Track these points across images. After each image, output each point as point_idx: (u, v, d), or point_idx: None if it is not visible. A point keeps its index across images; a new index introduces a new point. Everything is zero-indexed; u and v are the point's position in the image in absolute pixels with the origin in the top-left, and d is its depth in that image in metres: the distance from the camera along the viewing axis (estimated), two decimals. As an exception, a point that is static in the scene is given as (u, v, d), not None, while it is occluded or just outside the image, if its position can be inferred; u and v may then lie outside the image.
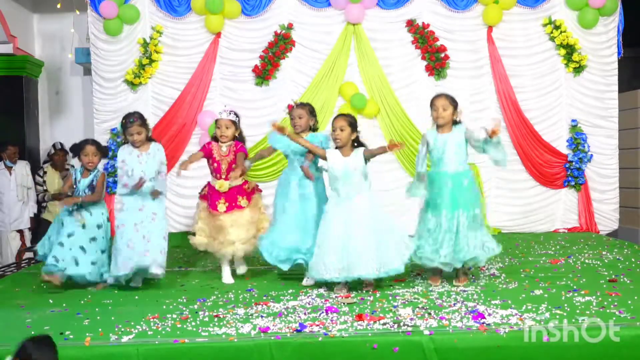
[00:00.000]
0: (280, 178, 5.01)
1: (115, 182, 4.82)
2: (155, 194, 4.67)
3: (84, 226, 4.65)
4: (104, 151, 4.91)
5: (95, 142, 4.88)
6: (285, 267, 4.70)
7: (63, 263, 4.56)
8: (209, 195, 4.81)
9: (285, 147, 4.80)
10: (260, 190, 5.05)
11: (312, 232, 4.55)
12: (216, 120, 4.88)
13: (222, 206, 4.72)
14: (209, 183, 4.88)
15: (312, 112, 4.84)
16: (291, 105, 4.85)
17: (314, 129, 4.84)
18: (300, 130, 4.73)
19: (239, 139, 4.89)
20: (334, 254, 4.26)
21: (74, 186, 4.79)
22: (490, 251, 4.56)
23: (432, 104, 4.60)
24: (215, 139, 4.89)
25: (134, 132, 4.69)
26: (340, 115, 4.58)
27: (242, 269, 4.93)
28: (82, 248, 4.64)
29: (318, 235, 4.41)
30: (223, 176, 4.78)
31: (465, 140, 4.55)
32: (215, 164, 4.81)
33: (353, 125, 4.43)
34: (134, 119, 4.71)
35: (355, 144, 4.44)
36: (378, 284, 4.48)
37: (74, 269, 4.58)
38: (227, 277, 4.84)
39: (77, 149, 4.82)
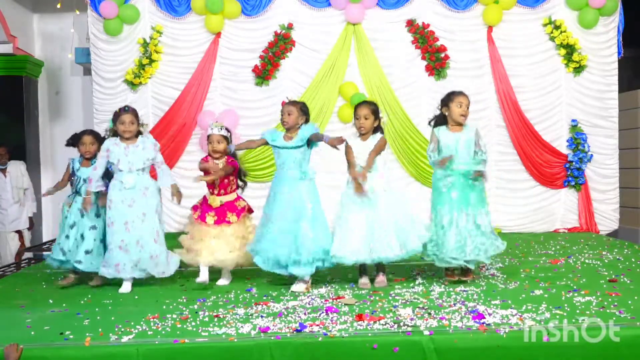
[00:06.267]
0: (272, 183, 4.81)
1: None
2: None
3: (84, 210, 4.71)
4: (101, 140, 4.89)
5: (93, 132, 4.94)
6: (284, 273, 4.59)
7: (69, 254, 4.69)
8: (201, 207, 4.82)
9: (276, 143, 4.66)
10: (252, 211, 4.94)
11: (302, 235, 4.47)
12: (208, 136, 4.82)
13: (210, 219, 4.72)
14: (204, 196, 4.87)
15: (303, 110, 4.71)
16: (284, 102, 4.77)
17: None
18: (287, 126, 4.65)
19: (231, 155, 4.85)
20: (360, 238, 4.38)
21: (73, 176, 4.84)
22: (496, 249, 4.65)
23: (460, 101, 4.59)
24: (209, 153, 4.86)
25: (127, 120, 4.58)
26: (364, 102, 4.64)
27: (223, 281, 4.78)
28: (82, 236, 4.73)
29: (339, 220, 4.50)
30: (216, 191, 4.79)
31: (474, 139, 4.61)
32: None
33: (376, 113, 4.57)
34: (128, 108, 4.68)
35: (379, 131, 4.59)
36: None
37: (74, 257, 4.68)
38: (202, 276, 4.64)
39: (75, 140, 4.86)
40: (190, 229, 4.84)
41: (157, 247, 4.62)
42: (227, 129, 4.87)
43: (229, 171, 4.77)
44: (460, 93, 4.65)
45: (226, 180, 4.80)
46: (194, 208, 4.87)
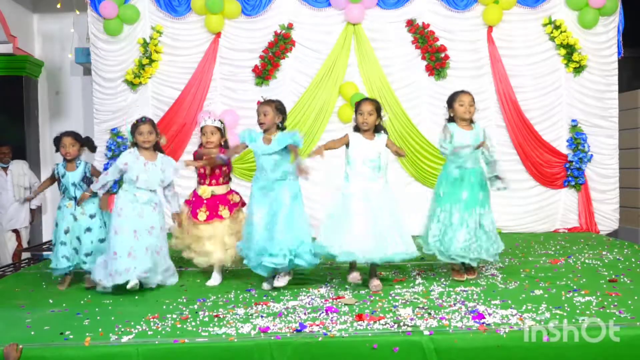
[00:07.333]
0: (252, 184, 4.72)
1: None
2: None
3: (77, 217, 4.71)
4: (82, 141, 4.81)
5: (72, 133, 4.81)
6: (262, 273, 4.49)
7: (72, 259, 4.67)
8: (192, 202, 4.80)
9: (255, 147, 4.58)
10: (244, 204, 4.89)
11: (276, 230, 4.39)
12: (201, 127, 4.82)
13: (202, 215, 4.70)
14: (194, 190, 4.86)
15: (279, 109, 4.60)
16: (259, 102, 4.65)
17: (281, 127, 4.61)
18: (265, 128, 4.54)
19: (225, 146, 4.84)
20: (358, 237, 4.31)
21: (60, 182, 4.76)
22: (498, 248, 4.77)
23: (461, 99, 4.69)
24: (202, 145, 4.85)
25: (145, 130, 4.56)
26: (368, 100, 4.61)
27: (214, 281, 4.75)
28: (78, 239, 4.70)
29: (334, 213, 4.43)
30: (207, 182, 4.79)
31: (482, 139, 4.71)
32: (201, 170, 4.81)
33: (379, 110, 4.55)
34: (145, 118, 4.66)
35: (382, 130, 4.58)
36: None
37: (76, 259, 4.68)
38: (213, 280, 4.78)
39: (57, 143, 4.79)
40: (184, 225, 4.81)
41: (157, 258, 4.58)
42: (220, 121, 4.85)
43: (222, 160, 4.73)
44: (462, 92, 4.74)
45: (217, 171, 4.79)
46: (187, 202, 4.87)
